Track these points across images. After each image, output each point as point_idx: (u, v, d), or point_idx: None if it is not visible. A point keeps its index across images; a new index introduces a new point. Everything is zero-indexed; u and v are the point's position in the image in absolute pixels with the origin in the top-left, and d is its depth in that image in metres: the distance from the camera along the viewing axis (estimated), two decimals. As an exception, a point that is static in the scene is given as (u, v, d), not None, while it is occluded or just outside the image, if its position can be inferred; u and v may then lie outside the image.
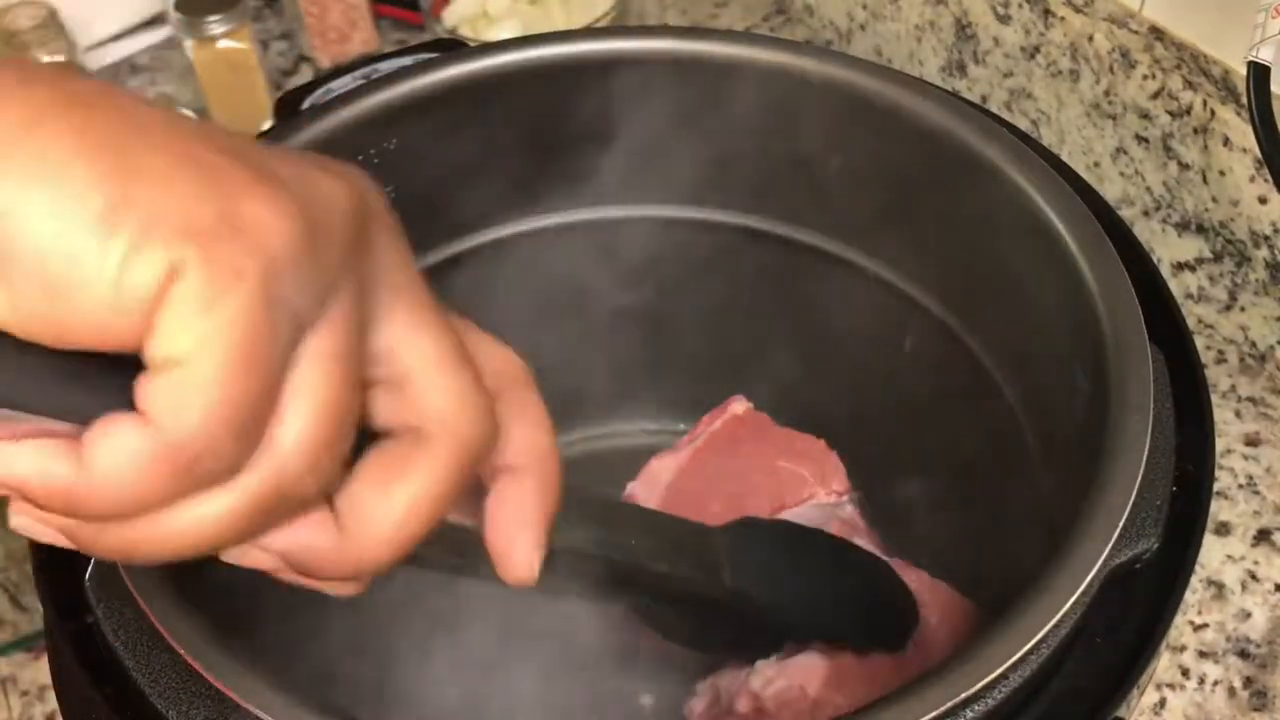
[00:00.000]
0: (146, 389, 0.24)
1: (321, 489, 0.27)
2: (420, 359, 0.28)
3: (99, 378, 0.24)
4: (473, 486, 0.31)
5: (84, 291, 0.23)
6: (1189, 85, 0.66)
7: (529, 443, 0.32)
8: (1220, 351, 0.70)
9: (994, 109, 0.78)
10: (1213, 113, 0.64)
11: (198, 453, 0.24)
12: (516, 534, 0.31)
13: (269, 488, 0.26)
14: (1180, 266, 0.71)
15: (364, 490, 0.28)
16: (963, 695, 0.34)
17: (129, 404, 0.24)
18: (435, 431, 0.28)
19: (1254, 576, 0.60)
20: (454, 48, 0.56)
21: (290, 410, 0.25)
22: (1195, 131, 0.66)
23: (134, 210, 0.23)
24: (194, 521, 0.25)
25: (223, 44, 0.84)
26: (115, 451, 0.24)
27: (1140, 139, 0.70)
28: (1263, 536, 0.61)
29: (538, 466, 0.32)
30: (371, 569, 0.29)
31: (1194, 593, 0.59)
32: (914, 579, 0.52)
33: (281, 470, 0.26)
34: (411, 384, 0.28)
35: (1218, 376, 0.69)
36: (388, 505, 0.28)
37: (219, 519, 0.25)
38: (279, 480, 0.26)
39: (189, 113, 0.91)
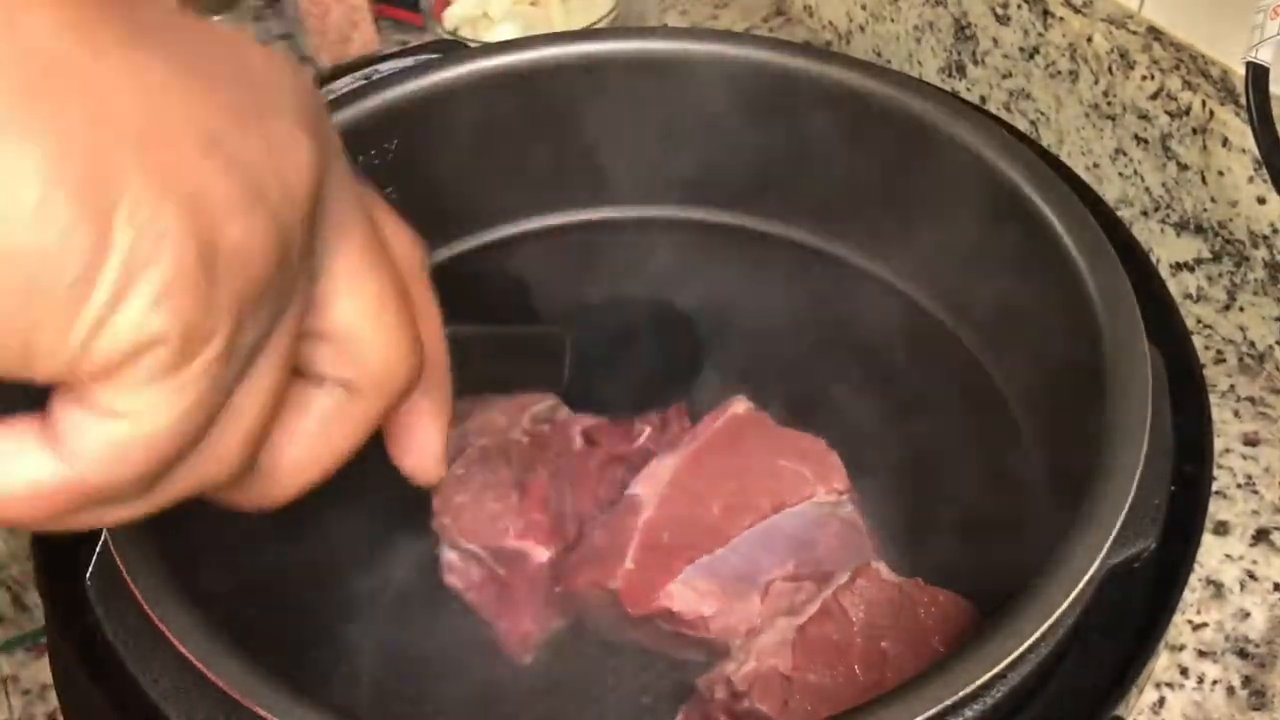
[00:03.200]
0: (73, 421, 0.23)
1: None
2: (359, 315, 0.27)
3: None
4: None
5: (45, 310, 0.21)
6: (1188, 86, 0.66)
7: (429, 354, 0.30)
8: (1219, 351, 0.70)
9: (993, 110, 0.78)
10: (1211, 113, 0.64)
11: (108, 492, 0.24)
12: (425, 449, 0.32)
13: (192, 487, 0.26)
14: (1179, 266, 0.71)
15: (290, 448, 0.28)
16: (962, 693, 0.34)
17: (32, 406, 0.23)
18: (367, 388, 0.28)
19: (1253, 576, 0.60)
20: (455, 49, 0.57)
21: (228, 427, 0.25)
22: (1194, 132, 0.66)
23: (119, 249, 0.21)
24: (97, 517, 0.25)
25: (223, 45, 0.84)
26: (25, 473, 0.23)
27: (1139, 139, 0.70)
28: (1261, 536, 0.62)
29: (437, 378, 0.32)
30: (280, 502, 0.29)
31: (1193, 592, 0.59)
32: (911, 586, 0.52)
33: (205, 475, 0.26)
34: (350, 341, 0.27)
35: (1216, 376, 0.69)
36: (310, 459, 0.28)
37: (133, 511, 0.25)
38: (202, 482, 0.26)
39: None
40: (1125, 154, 0.71)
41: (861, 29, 0.90)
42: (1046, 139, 0.76)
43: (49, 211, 0.21)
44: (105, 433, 0.23)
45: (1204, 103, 0.65)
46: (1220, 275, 0.69)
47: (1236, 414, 0.67)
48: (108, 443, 0.23)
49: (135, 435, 0.23)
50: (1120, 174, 0.72)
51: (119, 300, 0.22)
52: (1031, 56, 0.75)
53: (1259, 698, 0.56)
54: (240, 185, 0.23)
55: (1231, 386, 0.68)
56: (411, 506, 0.63)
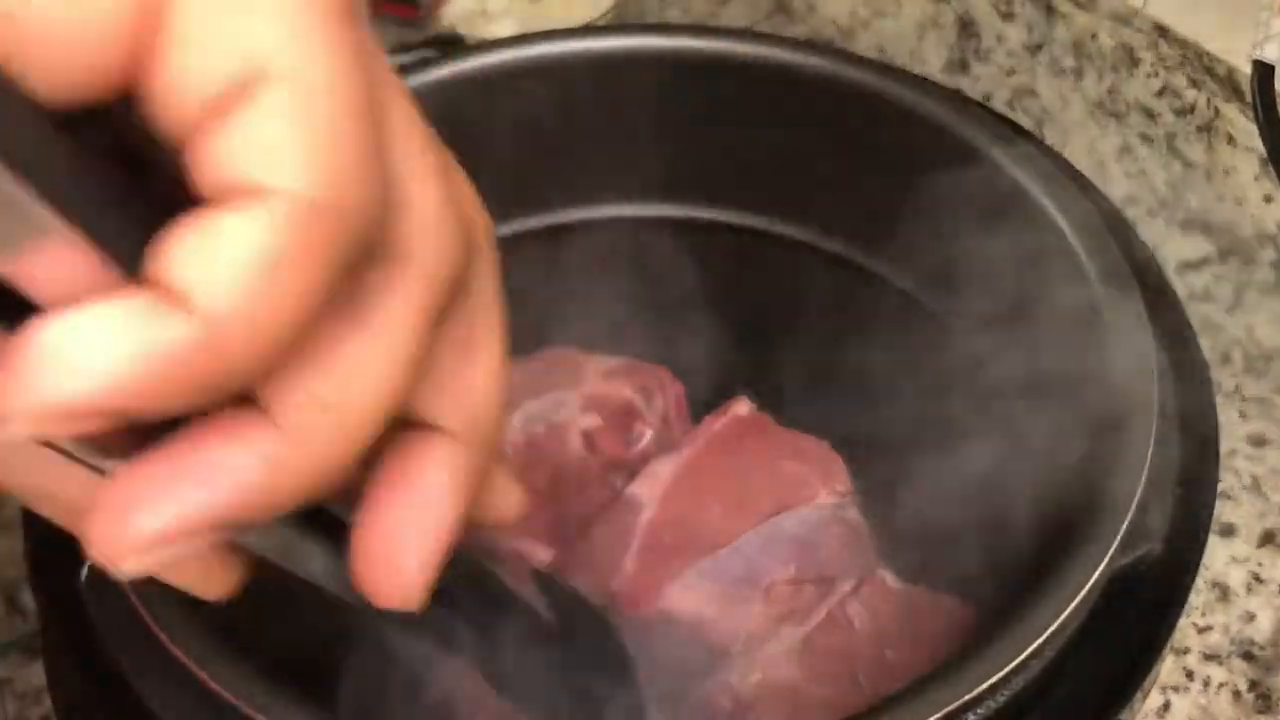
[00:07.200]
0: (192, 251, 0.16)
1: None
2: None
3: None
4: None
5: None
6: (1193, 83, 0.65)
7: (465, 391, 0.21)
8: (1225, 352, 0.70)
9: (997, 107, 0.78)
10: (1217, 111, 0.64)
11: (250, 350, 0.17)
12: (408, 539, 0.21)
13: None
14: (1185, 266, 0.70)
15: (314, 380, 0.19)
16: (965, 698, 0.33)
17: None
18: (400, 263, 0.20)
19: (1259, 578, 0.60)
20: (452, 45, 0.56)
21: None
22: (1199, 130, 0.65)
23: None
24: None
25: (223, 42, 0.84)
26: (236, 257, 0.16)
27: (1145, 138, 0.69)
28: (1268, 538, 0.61)
29: (468, 433, 0.21)
30: (321, 480, 0.19)
31: (1198, 594, 0.59)
32: (916, 593, 0.52)
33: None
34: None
35: (1223, 376, 0.68)
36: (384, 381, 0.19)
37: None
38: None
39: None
40: (1130, 152, 0.71)
41: (864, 25, 0.90)
42: (1051, 137, 0.76)
43: None
44: (237, 255, 0.16)
45: (1209, 100, 0.64)
46: (1227, 275, 0.68)
47: (1243, 415, 0.67)
48: (241, 269, 0.16)
49: (276, 249, 0.17)
50: (1126, 173, 0.72)
51: None
52: (1036, 53, 0.75)
53: (1265, 701, 0.55)
54: None
55: (1237, 387, 0.68)
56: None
